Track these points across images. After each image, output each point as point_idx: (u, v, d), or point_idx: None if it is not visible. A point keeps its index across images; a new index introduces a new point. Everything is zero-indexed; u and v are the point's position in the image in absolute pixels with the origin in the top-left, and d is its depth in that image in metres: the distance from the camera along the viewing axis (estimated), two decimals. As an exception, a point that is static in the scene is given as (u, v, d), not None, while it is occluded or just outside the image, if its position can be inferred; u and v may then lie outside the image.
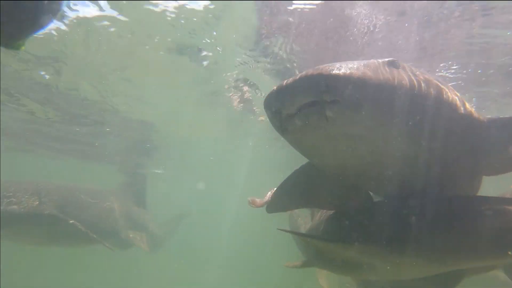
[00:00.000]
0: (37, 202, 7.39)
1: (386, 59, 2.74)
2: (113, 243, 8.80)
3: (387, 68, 2.66)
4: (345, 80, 2.44)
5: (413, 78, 2.74)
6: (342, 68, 2.48)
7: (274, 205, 4.03)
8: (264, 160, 16.28)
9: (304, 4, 5.64)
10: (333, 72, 2.45)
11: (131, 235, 9.29)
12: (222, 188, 26.10)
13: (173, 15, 6.13)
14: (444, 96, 2.88)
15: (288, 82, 2.57)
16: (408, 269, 3.17)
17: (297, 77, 2.53)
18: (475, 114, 3.11)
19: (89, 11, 6.06)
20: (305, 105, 2.50)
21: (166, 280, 30.00)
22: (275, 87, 2.67)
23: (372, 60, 2.70)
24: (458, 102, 2.98)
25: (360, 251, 3.20)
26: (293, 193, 3.85)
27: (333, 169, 3.25)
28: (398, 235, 2.97)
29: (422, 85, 2.76)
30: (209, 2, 5.80)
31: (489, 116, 3.19)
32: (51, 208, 7.48)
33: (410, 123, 2.67)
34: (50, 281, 22.46)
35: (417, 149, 2.86)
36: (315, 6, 5.66)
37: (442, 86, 2.94)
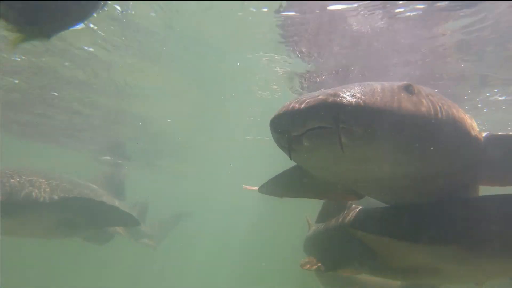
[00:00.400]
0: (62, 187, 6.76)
1: (402, 84, 2.70)
2: (92, 236, 8.41)
3: (403, 95, 2.61)
4: (362, 108, 2.38)
5: (428, 104, 2.72)
6: (359, 95, 2.42)
7: (265, 190, 4.30)
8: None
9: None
10: (350, 99, 2.38)
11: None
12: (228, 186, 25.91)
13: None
14: (457, 120, 2.91)
15: (302, 102, 2.47)
16: (483, 272, 3.16)
17: (313, 98, 2.44)
18: (478, 133, 3.17)
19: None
20: (316, 128, 2.44)
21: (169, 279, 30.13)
22: (284, 108, 2.58)
23: (388, 85, 2.65)
24: (468, 125, 3.03)
25: (443, 253, 3.10)
26: (285, 187, 4.14)
27: (335, 180, 3.34)
28: (485, 236, 2.94)
29: (437, 110, 2.75)
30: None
31: (486, 133, 3.25)
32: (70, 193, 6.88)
33: (423, 147, 2.68)
34: (49, 279, 22.47)
35: (426, 170, 2.92)
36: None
37: (455, 110, 2.96)
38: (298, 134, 2.51)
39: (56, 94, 11.20)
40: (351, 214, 4.13)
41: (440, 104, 2.81)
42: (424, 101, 2.70)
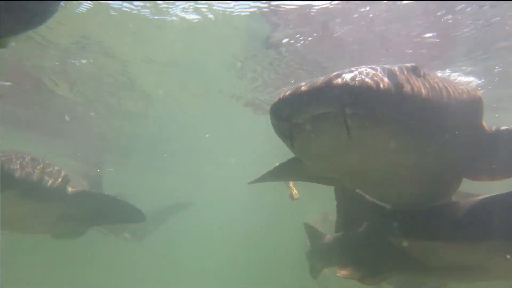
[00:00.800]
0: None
1: (409, 65, 2.58)
2: (62, 232, 7.78)
3: (411, 77, 2.50)
4: (371, 92, 2.24)
5: (436, 87, 2.62)
6: (367, 77, 2.27)
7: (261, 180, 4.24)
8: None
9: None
10: (358, 82, 2.23)
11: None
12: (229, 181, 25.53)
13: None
14: (464, 104, 2.83)
15: (305, 88, 2.33)
16: None
17: (316, 84, 2.30)
18: (484, 122, 3.11)
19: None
20: (320, 114, 2.30)
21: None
22: (287, 92, 2.44)
23: (394, 67, 2.51)
24: (475, 109, 2.96)
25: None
26: (282, 177, 4.22)
27: (333, 173, 3.20)
28: None
29: (446, 95, 2.65)
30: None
31: (494, 127, 3.17)
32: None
33: (430, 132, 2.58)
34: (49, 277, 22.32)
35: (430, 158, 2.79)
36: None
37: (463, 94, 2.87)
38: (300, 122, 2.36)
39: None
40: (388, 219, 3.79)
41: (447, 87, 2.71)
42: (432, 84, 2.59)
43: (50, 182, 5.92)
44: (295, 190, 6.09)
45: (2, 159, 5.36)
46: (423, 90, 2.48)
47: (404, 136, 2.46)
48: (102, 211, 6.83)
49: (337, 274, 4.00)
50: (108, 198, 6.69)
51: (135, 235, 11.62)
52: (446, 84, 2.77)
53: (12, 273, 16.47)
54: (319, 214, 11.30)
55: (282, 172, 4.00)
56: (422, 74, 2.60)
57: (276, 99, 2.50)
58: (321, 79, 2.32)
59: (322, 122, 2.30)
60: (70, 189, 6.23)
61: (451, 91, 2.75)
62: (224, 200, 30.70)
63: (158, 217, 13.06)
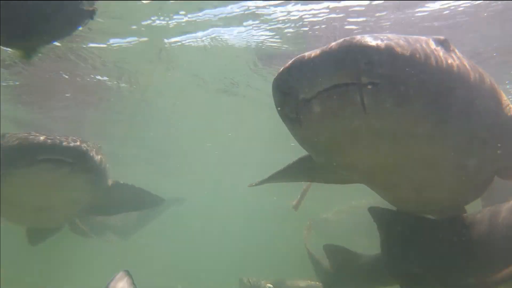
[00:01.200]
0: None
1: (437, 38, 2.23)
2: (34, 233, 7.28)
3: (441, 49, 2.15)
4: (394, 57, 1.87)
5: (467, 65, 2.27)
6: (388, 41, 1.91)
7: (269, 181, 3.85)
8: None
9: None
10: (378, 45, 1.87)
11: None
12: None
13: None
14: (496, 90, 2.53)
15: (313, 54, 1.98)
16: None
17: (327, 49, 1.94)
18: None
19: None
20: (332, 87, 1.92)
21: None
22: (291, 61, 2.09)
23: (421, 37, 2.16)
24: (504, 98, 2.64)
25: None
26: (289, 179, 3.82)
27: (348, 170, 2.77)
28: None
29: (478, 75, 2.32)
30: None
31: None
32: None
33: (461, 119, 2.18)
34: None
35: (461, 153, 2.39)
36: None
37: (492, 79, 2.55)
38: (308, 97, 2.00)
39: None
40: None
41: (478, 68, 2.39)
42: (463, 61, 2.26)
43: (107, 170, 5.68)
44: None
45: (83, 143, 4.94)
46: (455, 66, 2.12)
47: (432, 120, 2.08)
48: (124, 202, 6.46)
49: None
50: (133, 188, 6.30)
51: (120, 235, 11.07)
52: (476, 65, 2.43)
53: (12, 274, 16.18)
54: (307, 226, 10.74)
55: (292, 174, 3.63)
56: (452, 49, 2.26)
57: (281, 68, 2.13)
58: (334, 44, 1.96)
59: (335, 98, 1.92)
60: (109, 180, 5.96)
61: (482, 72, 2.43)
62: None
63: (145, 213, 12.28)
